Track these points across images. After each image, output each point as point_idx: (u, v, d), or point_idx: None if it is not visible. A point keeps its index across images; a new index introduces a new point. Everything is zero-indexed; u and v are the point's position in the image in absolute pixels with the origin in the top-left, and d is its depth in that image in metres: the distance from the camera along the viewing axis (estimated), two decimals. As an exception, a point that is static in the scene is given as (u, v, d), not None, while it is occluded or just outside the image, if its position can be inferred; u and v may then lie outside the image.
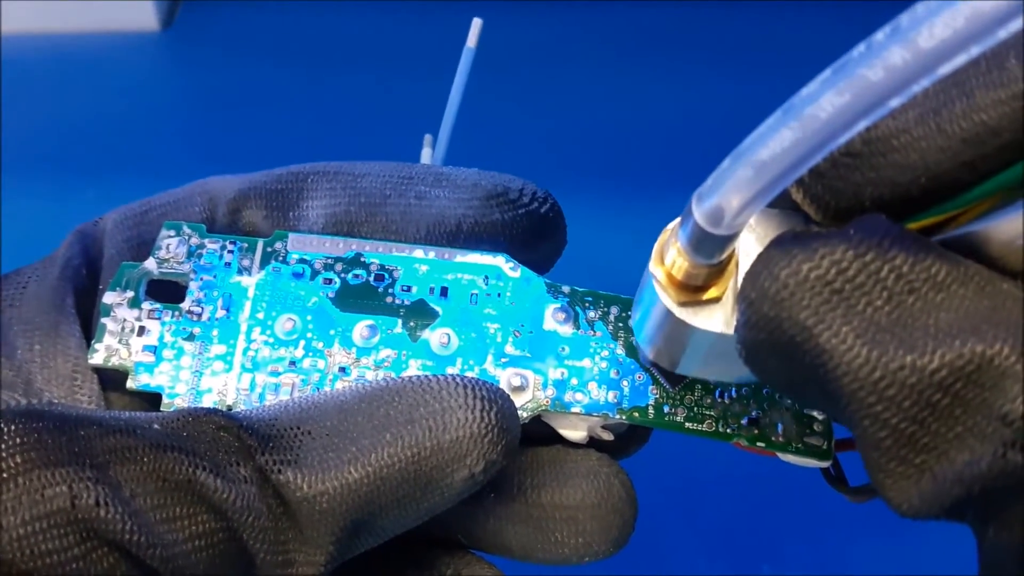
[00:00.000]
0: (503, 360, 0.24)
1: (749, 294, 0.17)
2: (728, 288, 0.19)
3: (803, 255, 0.17)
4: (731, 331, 0.19)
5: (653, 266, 0.19)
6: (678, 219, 0.18)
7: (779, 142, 0.15)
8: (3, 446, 0.18)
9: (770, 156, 0.15)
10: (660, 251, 0.19)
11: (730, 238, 0.17)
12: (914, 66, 0.13)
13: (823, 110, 0.14)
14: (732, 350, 0.19)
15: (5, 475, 0.18)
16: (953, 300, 0.16)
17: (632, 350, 0.24)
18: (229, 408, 0.23)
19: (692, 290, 0.19)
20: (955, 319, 0.16)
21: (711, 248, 0.18)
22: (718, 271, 0.19)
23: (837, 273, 0.17)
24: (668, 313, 0.19)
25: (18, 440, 0.18)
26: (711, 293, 0.19)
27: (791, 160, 0.15)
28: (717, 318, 0.19)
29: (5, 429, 0.18)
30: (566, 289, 0.25)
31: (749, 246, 0.19)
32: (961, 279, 0.16)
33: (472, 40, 0.30)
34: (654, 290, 0.19)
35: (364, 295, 0.25)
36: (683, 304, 0.19)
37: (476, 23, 0.30)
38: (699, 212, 0.17)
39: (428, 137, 0.30)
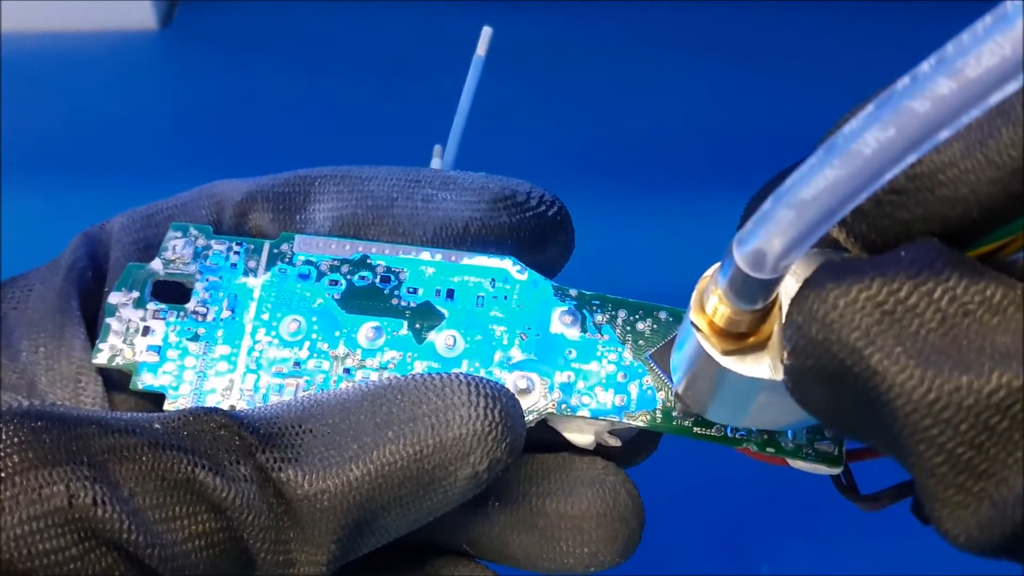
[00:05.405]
0: (509, 362, 0.24)
1: (796, 318, 0.17)
2: (773, 332, 0.19)
3: (853, 277, 0.17)
4: (779, 376, 0.18)
5: (694, 316, 0.19)
6: (715, 266, 0.18)
7: (822, 180, 0.15)
8: (1, 445, 0.18)
9: (812, 195, 0.15)
10: (699, 299, 0.19)
11: (774, 282, 0.17)
12: (962, 96, 0.13)
13: (867, 146, 0.14)
14: (779, 396, 0.18)
15: (2, 474, 0.18)
16: (1010, 323, 0.16)
17: (639, 352, 0.24)
18: (232, 408, 0.23)
19: (735, 337, 0.19)
20: (1012, 342, 0.16)
21: (754, 293, 0.17)
22: (762, 316, 0.18)
23: (888, 294, 0.16)
24: (712, 362, 0.19)
25: (15, 439, 0.19)
26: (755, 339, 0.19)
27: (836, 199, 0.15)
28: (764, 364, 0.19)
29: (3, 429, 0.19)
30: (573, 292, 0.25)
31: (790, 288, 0.18)
32: (1017, 302, 0.16)
33: (482, 49, 0.30)
34: (696, 340, 0.19)
35: (370, 297, 0.25)
36: (727, 352, 0.19)
37: (486, 32, 0.30)
38: (740, 256, 0.16)
39: (437, 148, 0.30)
